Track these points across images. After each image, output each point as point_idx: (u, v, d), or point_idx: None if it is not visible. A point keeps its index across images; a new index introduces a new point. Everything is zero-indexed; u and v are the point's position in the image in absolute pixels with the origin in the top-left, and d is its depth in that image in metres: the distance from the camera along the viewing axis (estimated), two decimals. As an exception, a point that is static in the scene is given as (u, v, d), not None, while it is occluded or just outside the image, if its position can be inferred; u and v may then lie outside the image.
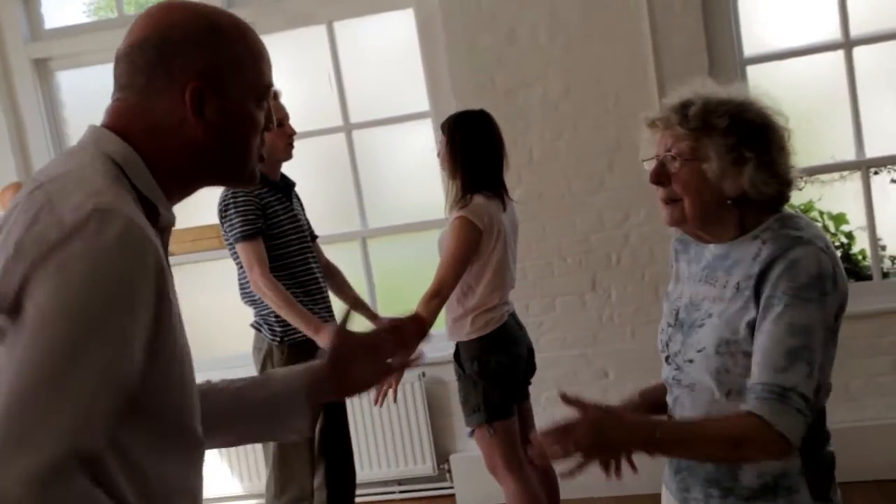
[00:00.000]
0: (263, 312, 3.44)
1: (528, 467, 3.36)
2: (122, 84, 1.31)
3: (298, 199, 3.65)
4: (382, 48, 4.52)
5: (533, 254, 4.20)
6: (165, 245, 1.34)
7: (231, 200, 3.35)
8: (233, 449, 4.51)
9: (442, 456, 4.49)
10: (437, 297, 3.15)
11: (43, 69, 4.77)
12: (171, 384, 1.24)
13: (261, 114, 1.36)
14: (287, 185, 3.54)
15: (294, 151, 3.52)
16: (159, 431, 1.23)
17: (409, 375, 4.27)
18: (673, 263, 1.91)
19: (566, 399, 1.60)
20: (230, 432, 1.56)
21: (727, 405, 1.65)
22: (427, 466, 4.47)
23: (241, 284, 3.51)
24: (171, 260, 4.50)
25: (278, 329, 3.40)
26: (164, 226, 1.32)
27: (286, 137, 3.46)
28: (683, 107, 1.69)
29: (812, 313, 1.58)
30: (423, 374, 4.39)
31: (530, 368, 3.48)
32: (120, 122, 1.30)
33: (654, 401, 1.87)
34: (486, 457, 3.34)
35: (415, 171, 4.60)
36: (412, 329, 1.68)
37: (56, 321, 1.08)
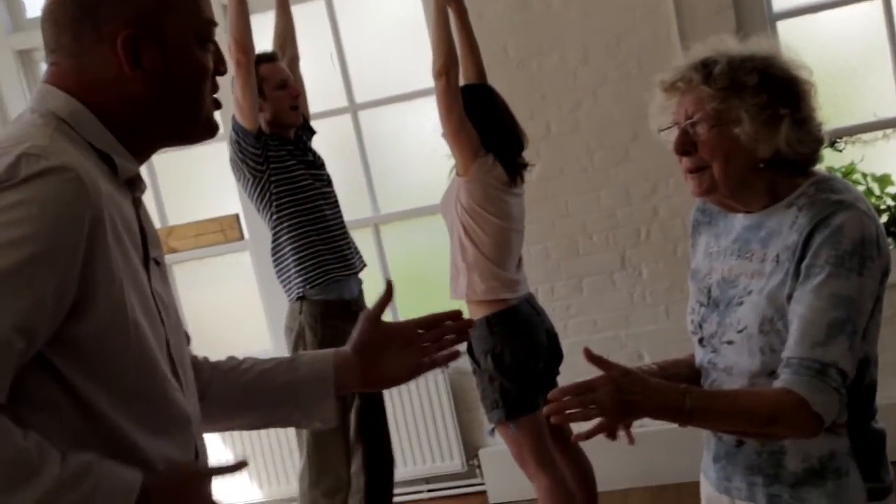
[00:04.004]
0: (282, 266, 3.46)
1: (562, 461, 3.37)
2: (51, 48, 1.29)
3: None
4: (386, 22, 4.49)
5: (556, 232, 4.18)
6: (137, 202, 1.32)
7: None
8: (252, 453, 4.53)
9: (471, 451, 4.50)
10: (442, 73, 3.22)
11: (27, 60, 4.82)
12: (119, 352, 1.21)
13: (207, 56, 1.32)
14: (300, 139, 3.55)
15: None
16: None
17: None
18: (692, 237, 1.89)
19: (590, 356, 1.56)
20: (250, 413, 1.54)
21: (769, 385, 1.63)
22: (455, 463, 4.48)
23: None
24: (175, 257, 4.47)
25: (298, 280, 3.42)
26: (126, 178, 1.28)
27: (290, 99, 3.46)
28: (705, 65, 1.64)
29: (855, 283, 1.56)
30: (447, 366, 4.37)
31: (555, 356, 3.43)
32: (60, 81, 1.27)
33: (674, 376, 1.81)
34: (514, 453, 3.33)
35: (426, 151, 4.57)
36: (452, 326, 1.64)
37: None
